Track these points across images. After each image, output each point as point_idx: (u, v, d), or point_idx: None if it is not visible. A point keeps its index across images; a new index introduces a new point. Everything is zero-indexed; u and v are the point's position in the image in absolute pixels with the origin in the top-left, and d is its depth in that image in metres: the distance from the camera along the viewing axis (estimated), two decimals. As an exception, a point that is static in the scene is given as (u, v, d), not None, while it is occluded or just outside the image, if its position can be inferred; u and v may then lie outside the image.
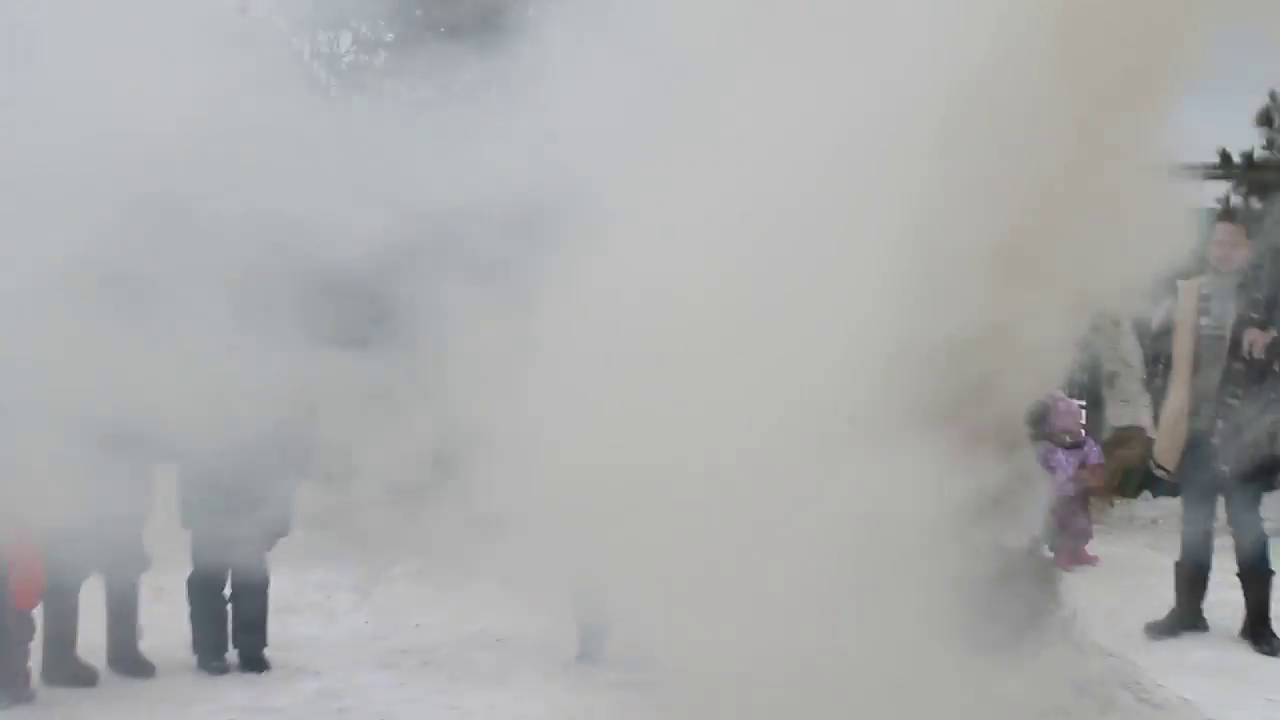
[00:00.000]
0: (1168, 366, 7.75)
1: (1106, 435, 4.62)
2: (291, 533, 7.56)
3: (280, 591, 8.91)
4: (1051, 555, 4.74)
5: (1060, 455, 10.75)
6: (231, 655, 7.26)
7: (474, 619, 8.51)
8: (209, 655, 7.18)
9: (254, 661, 7.23)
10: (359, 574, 9.66)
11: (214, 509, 7.02)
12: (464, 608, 8.81)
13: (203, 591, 7.24)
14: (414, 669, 7.32)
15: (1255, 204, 14.38)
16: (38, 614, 6.68)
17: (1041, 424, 10.66)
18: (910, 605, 4.19)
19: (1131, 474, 4.55)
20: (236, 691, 6.78)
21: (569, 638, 7.51)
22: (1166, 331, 7.76)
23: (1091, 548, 11.04)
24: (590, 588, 7.30)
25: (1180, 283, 7.99)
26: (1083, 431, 10.98)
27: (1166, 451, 7.83)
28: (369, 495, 12.69)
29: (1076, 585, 9.94)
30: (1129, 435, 4.54)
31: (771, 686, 4.24)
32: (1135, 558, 11.23)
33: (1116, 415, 4.52)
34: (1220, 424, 7.57)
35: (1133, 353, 4.49)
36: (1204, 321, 7.63)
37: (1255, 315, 7.50)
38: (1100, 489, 11.45)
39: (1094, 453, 10.93)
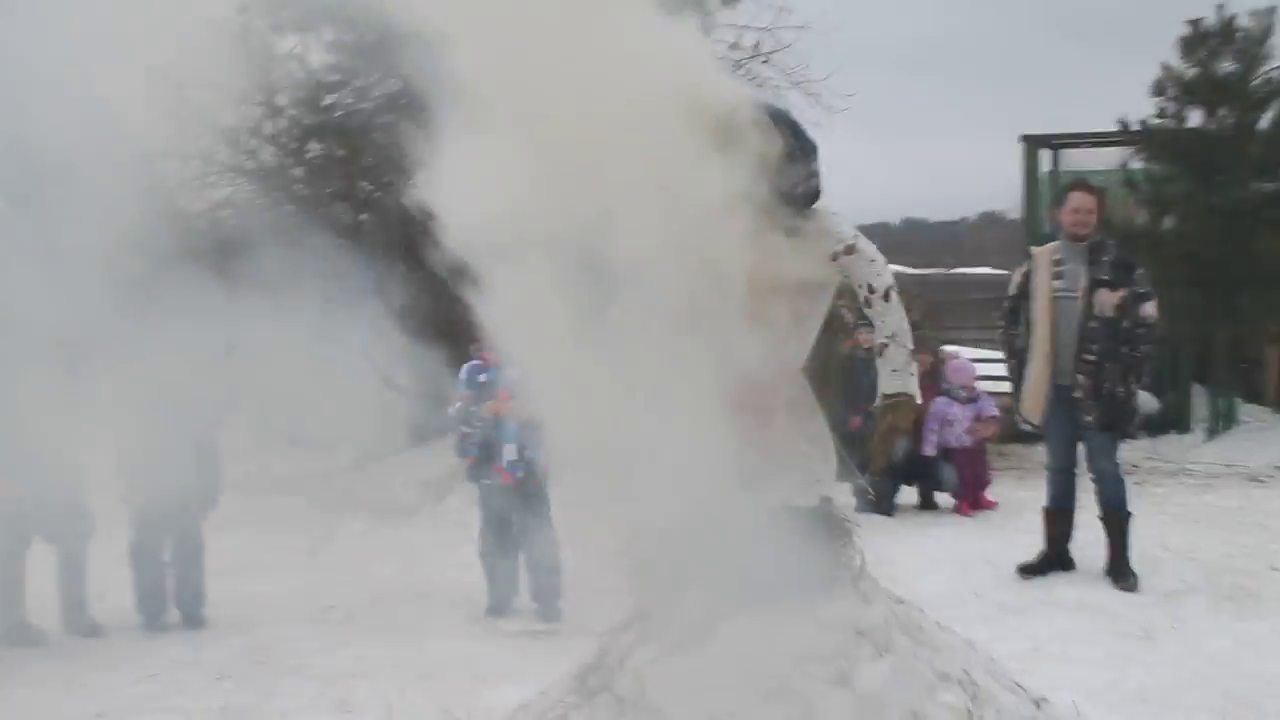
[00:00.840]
0: (1027, 328, 8.30)
1: (879, 403, 5.10)
2: (220, 502, 8.15)
3: (235, 552, 9.59)
4: (848, 511, 5.23)
5: (956, 408, 11.36)
6: (173, 614, 7.91)
7: (407, 576, 9.17)
8: (151, 615, 7.81)
9: (192, 619, 7.86)
10: (310, 536, 10.33)
11: (149, 482, 7.69)
12: (401, 566, 9.48)
13: (142, 557, 7.86)
14: (337, 624, 7.88)
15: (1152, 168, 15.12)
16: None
17: (938, 379, 11.26)
18: (703, 563, 4.81)
19: (900, 437, 5.04)
20: (173, 648, 7.35)
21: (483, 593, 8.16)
22: (1023, 295, 8.32)
23: (990, 493, 11.70)
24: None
25: (1034, 249, 8.57)
26: (975, 386, 11.62)
27: (1031, 407, 8.39)
28: (328, 461, 13.38)
29: (966, 529, 10.71)
30: (897, 402, 5.02)
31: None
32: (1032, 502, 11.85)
33: (887, 384, 4.99)
34: (1079, 379, 8.13)
35: (901, 324, 4.97)
36: (1058, 285, 8.18)
37: (1104, 277, 8.06)
38: (993, 438, 12.08)
39: (988, 405, 11.54)
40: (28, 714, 6.30)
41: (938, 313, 18.19)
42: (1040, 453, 15.03)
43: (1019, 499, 12.07)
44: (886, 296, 4.89)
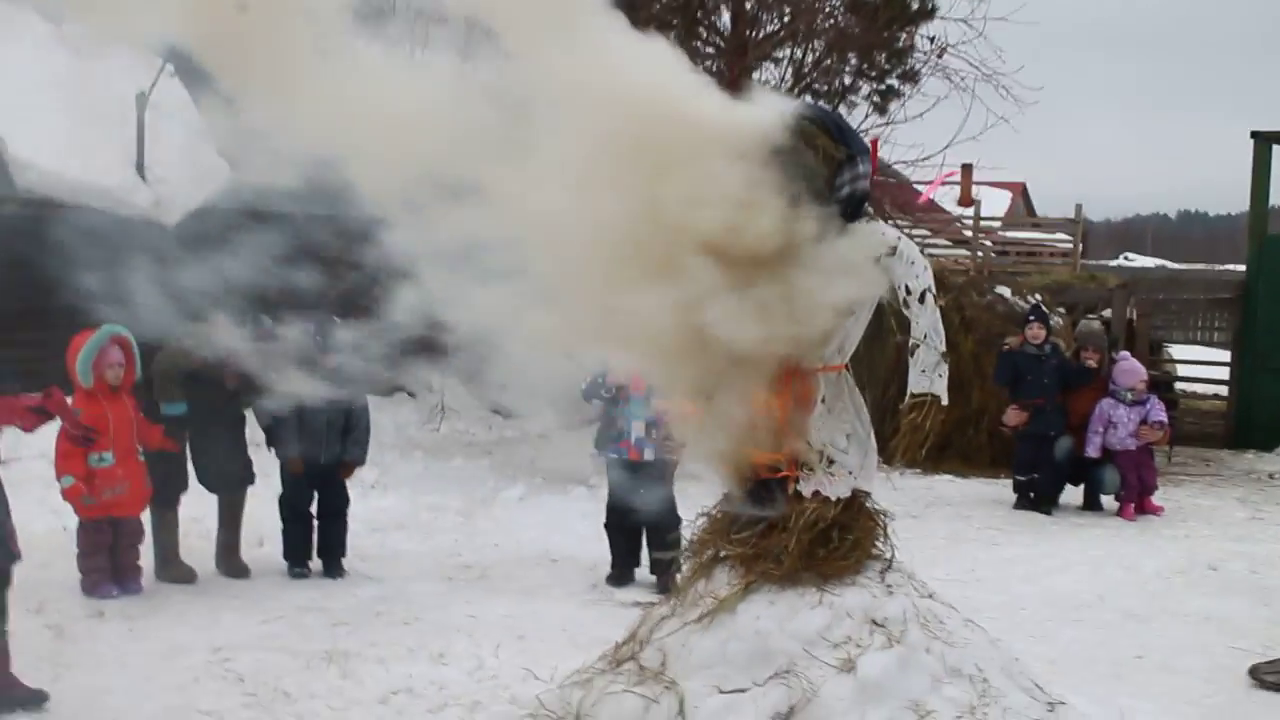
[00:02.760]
0: None
1: (905, 402, 5.19)
2: (367, 462, 8.69)
3: (396, 510, 10.17)
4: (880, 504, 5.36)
5: (1122, 410, 11.14)
6: (316, 563, 8.47)
7: (544, 542, 9.58)
8: (294, 563, 8.40)
9: (332, 569, 8.42)
10: (471, 498, 10.83)
11: (299, 440, 8.28)
12: (542, 532, 9.90)
13: (291, 509, 8.45)
14: (465, 582, 8.33)
15: None
16: (145, 520, 7.97)
17: (1106, 381, 11.08)
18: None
19: (924, 436, 5.11)
20: (304, 593, 7.90)
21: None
22: None
23: (1158, 497, 11.47)
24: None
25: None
26: (1144, 388, 11.35)
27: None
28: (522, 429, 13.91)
29: (1121, 532, 10.54)
30: (922, 402, 5.11)
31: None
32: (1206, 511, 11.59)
33: (916, 384, 5.09)
34: None
35: (934, 327, 5.05)
36: None
37: None
38: (1162, 442, 11.79)
39: (1156, 409, 11.27)
40: (162, 643, 6.86)
41: (1152, 310, 17.71)
42: (1234, 459, 14.67)
43: (1193, 506, 11.83)
44: (922, 299, 5.01)
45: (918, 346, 5.04)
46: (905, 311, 5.08)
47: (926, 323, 5.02)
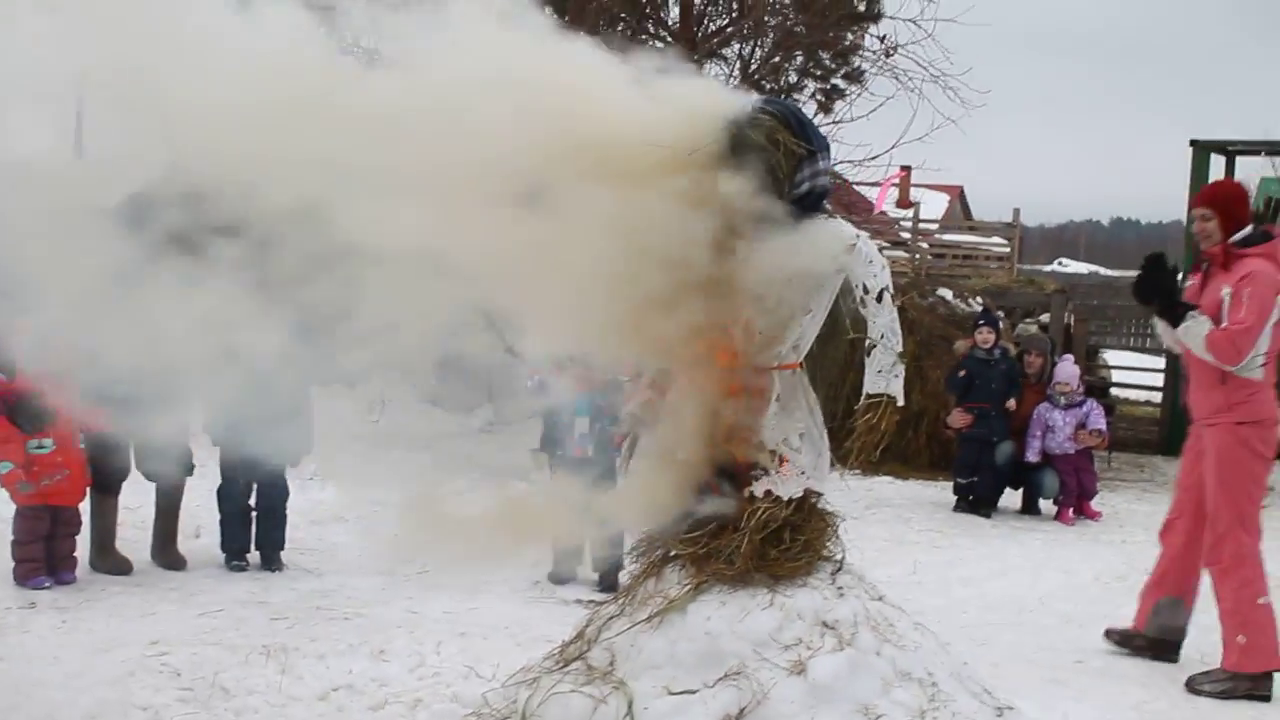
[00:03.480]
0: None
1: (861, 403, 5.17)
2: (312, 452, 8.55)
3: (335, 503, 10.05)
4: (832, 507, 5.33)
5: (1058, 414, 11.22)
6: (254, 556, 8.35)
7: (491, 533, 9.46)
8: (232, 555, 8.27)
9: (270, 561, 8.30)
10: (409, 492, 10.69)
11: (239, 428, 8.13)
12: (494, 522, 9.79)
13: (229, 500, 8.31)
14: (406, 577, 8.22)
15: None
16: (84, 510, 7.83)
17: (1042, 384, 11.15)
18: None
19: (880, 436, 5.09)
20: (242, 586, 7.79)
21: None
22: None
23: (1098, 503, 11.56)
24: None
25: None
26: (1081, 391, 11.44)
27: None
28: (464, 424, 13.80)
29: (1060, 537, 10.60)
30: (878, 402, 5.09)
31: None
32: (1143, 517, 11.66)
33: (871, 384, 5.07)
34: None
35: (891, 326, 5.04)
36: None
37: None
38: (1101, 447, 11.88)
39: (1095, 414, 11.36)
40: (97, 636, 6.74)
41: (1088, 316, 17.88)
42: (1168, 465, 14.81)
43: (1130, 511, 11.93)
44: (880, 298, 4.97)
45: (874, 346, 5.00)
46: (862, 310, 5.05)
47: (883, 322, 4.98)
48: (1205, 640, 7.25)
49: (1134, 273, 7.66)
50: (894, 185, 20.14)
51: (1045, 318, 16.31)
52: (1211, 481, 6.86)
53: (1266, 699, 6.74)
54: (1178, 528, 7.21)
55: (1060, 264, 45.81)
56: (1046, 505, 11.50)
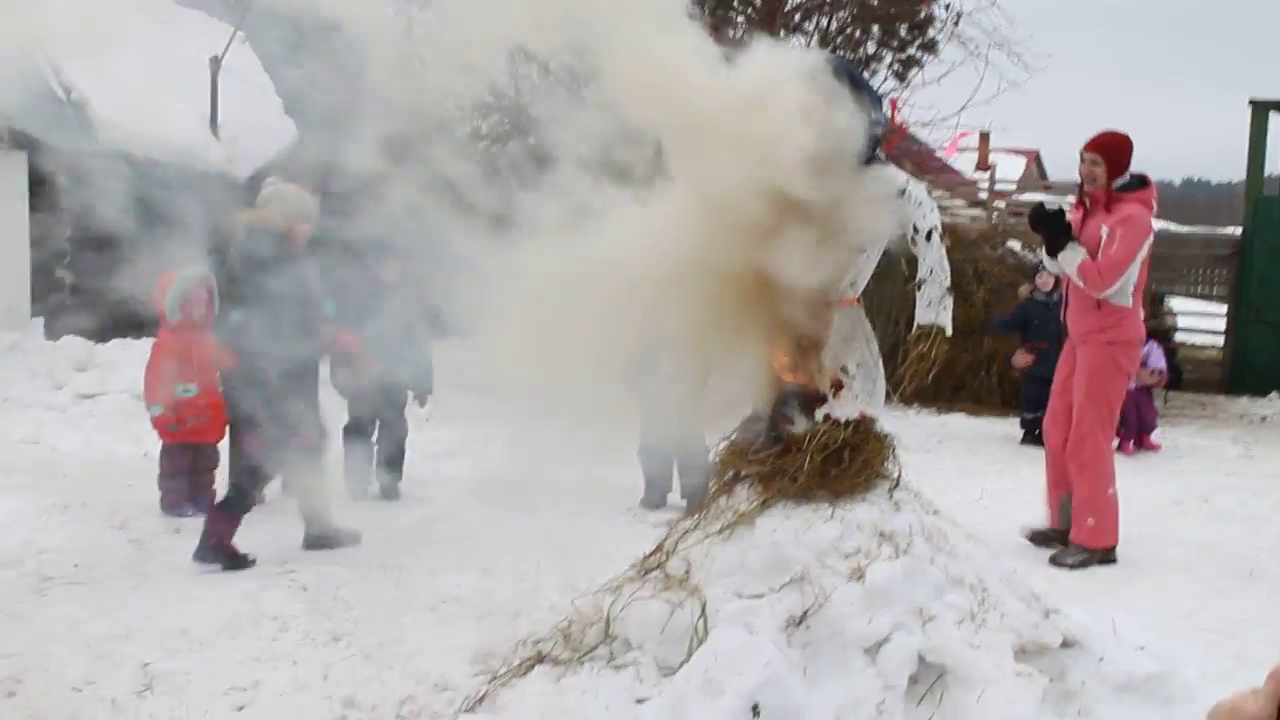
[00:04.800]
0: None
1: (912, 333, 5.21)
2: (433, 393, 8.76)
3: (448, 440, 10.25)
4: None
5: (1120, 353, 11.08)
6: (374, 487, 8.58)
7: (585, 469, 9.61)
8: (354, 486, 8.50)
9: (388, 492, 8.53)
10: (516, 430, 10.88)
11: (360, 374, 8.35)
12: (583, 460, 9.93)
13: (356, 436, 8.55)
14: (508, 505, 8.39)
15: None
16: (223, 448, 8.08)
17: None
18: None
19: (930, 365, 5.14)
20: (363, 514, 7.98)
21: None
22: None
23: (1156, 436, 11.43)
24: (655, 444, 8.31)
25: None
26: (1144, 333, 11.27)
27: None
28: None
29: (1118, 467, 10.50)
30: (928, 332, 5.13)
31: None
32: (1203, 450, 11.53)
33: (922, 315, 5.10)
34: None
35: (940, 262, 5.06)
36: None
37: None
38: (1159, 386, 11.73)
39: (1155, 355, 11.21)
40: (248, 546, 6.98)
41: (1155, 265, 17.58)
42: (1229, 403, 14.59)
43: (1190, 445, 11.79)
44: (929, 237, 5.02)
45: (924, 281, 5.05)
46: (912, 248, 5.09)
47: (933, 258, 5.03)
48: (1258, 557, 7.21)
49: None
50: (962, 148, 19.85)
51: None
52: (1081, 390, 7.47)
53: (1114, 563, 7.47)
54: (1053, 435, 7.80)
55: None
56: (1109, 439, 11.39)
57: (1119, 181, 7.31)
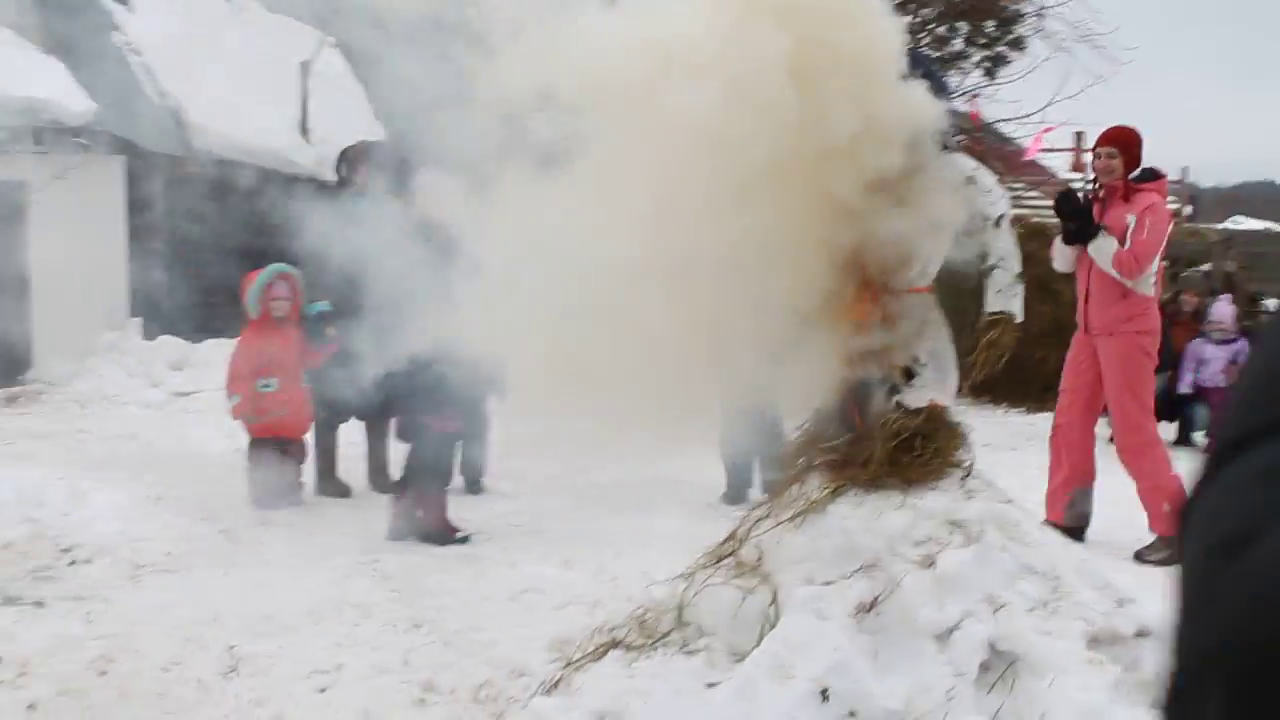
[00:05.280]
0: None
1: (981, 321, 5.21)
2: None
3: (529, 437, 10.31)
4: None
5: (1210, 348, 10.95)
6: (458, 481, 8.70)
7: (666, 465, 9.67)
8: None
9: (473, 485, 8.66)
10: (604, 424, 10.96)
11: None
12: (665, 456, 9.98)
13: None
14: (589, 499, 8.49)
15: None
16: (309, 441, 8.27)
17: (1199, 320, 10.88)
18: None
19: (1000, 353, 5.13)
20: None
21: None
22: None
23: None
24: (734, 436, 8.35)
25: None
26: (1237, 331, 11.13)
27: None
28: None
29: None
30: (998, 320, 5.13)
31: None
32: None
33: (992, 303, 5.11)
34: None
35: (1009, 249, 5.06)
36: None
37: None
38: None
39: (1246, 351, 11.04)
40: (317, 546, 7.15)
41: (1251, 265, 17.31)
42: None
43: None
44: (998, 224, 5.03)
45: (994, 268, 5.05)
46: (982, 237, 5.10)
47: (1002, 246, 5.04)
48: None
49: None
50: (1047, 148, 19.62)
51: (1208, 266, 15.88)
52: (1116, 383, 7.44)
53: None
54: (1070, 428, 7.70)
55: (1235, 222, 44.12)
56: (1199, 438, 11.22)
57: (1135, 173, 7.47)
